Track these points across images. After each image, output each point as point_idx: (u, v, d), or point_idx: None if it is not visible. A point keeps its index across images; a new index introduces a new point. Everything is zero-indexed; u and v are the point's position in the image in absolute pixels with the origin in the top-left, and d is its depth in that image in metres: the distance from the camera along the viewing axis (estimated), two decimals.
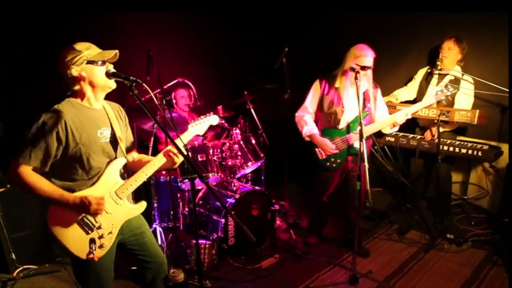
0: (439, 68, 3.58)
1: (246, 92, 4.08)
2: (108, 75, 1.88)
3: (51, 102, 1.87)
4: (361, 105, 3.04)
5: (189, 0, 4.18)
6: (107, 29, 3.71)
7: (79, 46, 1.85)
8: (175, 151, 2.05)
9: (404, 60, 4.33)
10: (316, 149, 3.21)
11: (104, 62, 1.88)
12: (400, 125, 3.11)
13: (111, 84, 1.93)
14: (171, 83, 3.66)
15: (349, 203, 3.32)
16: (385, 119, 3.09)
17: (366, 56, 2.89)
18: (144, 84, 1.83)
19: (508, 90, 3.28)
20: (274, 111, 4.54)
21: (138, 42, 3.79)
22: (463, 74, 3.55)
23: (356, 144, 3.08)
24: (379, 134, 3.76)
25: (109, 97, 2.04)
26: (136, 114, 3.22)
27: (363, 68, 2.89)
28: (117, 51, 1.89)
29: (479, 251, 3.38)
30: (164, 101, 3.29)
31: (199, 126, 2.30)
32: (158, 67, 3.08)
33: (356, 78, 2.78)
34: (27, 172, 1.80)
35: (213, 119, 2.36)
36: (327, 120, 3.14)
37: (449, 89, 3.10)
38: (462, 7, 3.65)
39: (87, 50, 1.85)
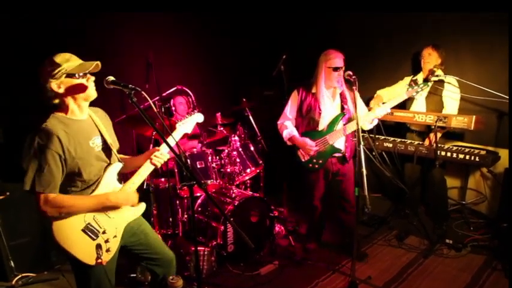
0: (435, 74, 3.63)
1: (244, 99, 4.10)
2: (107, 83, 1.88)
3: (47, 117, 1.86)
4: (335, 109, 3.21)
5: (186, 3, 4.21)
6: (106, 33, 3.72)
7: (58, 58, 1.81)
8: (159, 155, 2.13)
9: (403, 65, 4.36)
10: (298, 152, 3.29)
11: (85, 74, 1.86)
12: (379, 118, 3.18)
13: (92, 95, 1.91)
14: (170, 91, 3.68)
15: (339, 205, 3.39)
16: (364, 116, 3.17)
17: (336, 57, 3.06)
18: (142, 92, 1.85)
19: (507, 97, 3.30)
20: (272, 118, 4.56)
21: (136, 49, 3.83)
22: (446, 76, 3.65)
23: (336, 144, 3.19)
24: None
25: (109, 104, 2.05)
26: (136, 121, 3.24)
27: (336, 69, 3.04)
28: (98, 62, 1.85)
29: (478, 256, 3.38)
30: (163, 109, 3.31)
31: (186, 125, 2.37)
32: (157, 74, 3.10)
33: (354, 85, 2.86)
34: (58, 195, 1.82)
35: (198, 117, 2.44)
36: (306, 123, 3.26)
37: (419, 86, 3.18)
38: (462, 7, 3.69)
39: (66, 62, 1.82)
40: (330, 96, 3.21)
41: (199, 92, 4.09)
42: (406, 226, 3.94)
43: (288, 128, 3.32)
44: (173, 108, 4.11)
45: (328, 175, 3.31)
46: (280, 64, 3.94)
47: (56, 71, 1.79)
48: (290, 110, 3.36)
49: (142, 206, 2.16)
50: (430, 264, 3.30)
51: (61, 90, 1.82)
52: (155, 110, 1.92)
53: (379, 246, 3.66)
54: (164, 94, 3.57)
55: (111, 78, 1.89)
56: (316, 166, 3.25)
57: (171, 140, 2.13)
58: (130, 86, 1.84)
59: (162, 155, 2.14)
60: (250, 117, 4.12)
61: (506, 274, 3.06)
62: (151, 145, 3.37)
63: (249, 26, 4.96)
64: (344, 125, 3.14)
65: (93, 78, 1.90)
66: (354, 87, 2.84)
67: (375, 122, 3.23)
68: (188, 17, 4.44)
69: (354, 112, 3.21)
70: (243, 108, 4.11)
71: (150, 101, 1.88)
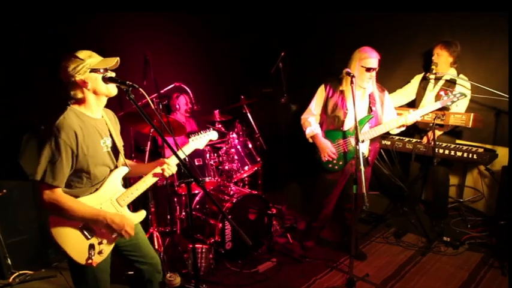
0: (433, 72, 3.61)
1: (242, 96, 4.10)
2: (105, 80, 1.88)
3: (48, 107, 1.87)
4: (362, 110, 3.09)
5: (185, 1, 4.20)
6: (104, 34, 3.71)
7: (81, 54, 1.86)
8: (166, 167, 2.12)
9: (402, 63, 4.36)
10: (318, 150, 3.23)
11: (106, 70, 1.89)
12: (407, 126, 3.11)
13: (113, 91, 1.94)
14: (168, 88, 3.67)
15: (346, 204, 3.34)
16: (392, 121, 3.06)
17: (370, 57, 2.92)
18: (140, 89, 1.84)
19: (507, 96, 3.29)
20: (271, 115, 4.56)
21: (135, 46, 3.81)
22: (458, 74, 3.58)
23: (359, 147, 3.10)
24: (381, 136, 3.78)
25: (107, 101, 2.04)
26: (134, 118, 3.23)
27: (368, 69, 2.93)
28: (118, 58, 1.90)
29: (475, 254, 3.39)
30: (161, 106, 3.30)
31: (199, 141, 2.37)
32: (155, 72, 3.09)
33: (352, 82, 2.77)
34: (63, 195, 1.83)
35: (213, 135, 2.44)
36: (331, 122, 3.17)
37: (456, 95, 3.05)
38: (461, 7, 3.67)
39: (89, 58, 1.87)
40: (359, 96, 3.07)
41: (198, 89, 4.07)
42: (404, 224, 3.95)
43: (312, 125, 3.23)
44: (177, 106, 4.10)
45: (347, 176, 3.24)
46: (278, 61, 3.93)
47: (80, 66, 1.83)
48: (315, 105, 3.25)
49: (142, 214, 2.15)
50: (428, 262, 3.31)
51: (86, 85, 1.86)
52: (152, 107, 1.91)
53: (377, 244, 3.66)
54: (162, 91, 3.56)
55: (109, 74, 1.89)
56: (336, 167, 3.18)
57: (181, 154, 2.15)
58: (127, 82, 1.84)
59: (169, 166, 2.13)
60: (249, 115, 4.12)
61: (503, 271, 3.07)
62: (149, 142, 3.36)
63: (247, 23, 4.95)
64: (370, 127, 3.05)
65: (113, 74, 1.93)
66: (352, 84, 2.79)
67: (403, 128, 3.13)
68: (187, 15, 4.43)
69: (381, 114, 3.12)
70: (241, 105, 4.11)
71: (148, 98, 1.88)
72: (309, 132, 3.24)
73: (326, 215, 3.47)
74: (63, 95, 1.89)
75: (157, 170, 2.12)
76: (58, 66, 1.86)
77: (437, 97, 3.62)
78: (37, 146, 1.82)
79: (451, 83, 3.63)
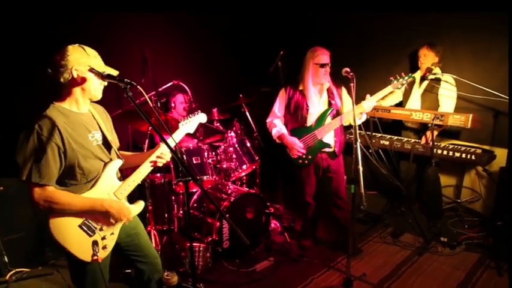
0: (433, 72, 3.65)
1: (241, 95, 4.09)
2: (103, 77, 1.88)
3: (48, 107, 1.86)
4: (322, 104, 3.26)
5: (185, 2, 4.20)
6: (104, 34, 3.71)
7: (89, 50, 1.87)
8: (160, 155, 2.12)
9: (400, 65, 4.36)
10: (287, 149, 3.33)
11: (102, 74, 1.89)
12: (367, 112, 3.22)
13: (99, 95, 1.96)
14: (166, 86, 3.67)
15: (332, 202, 3.42)
16: (351, 110, 3.12)
17: (322, 54, 3.13)
18: (138, 87, 1.83)
19: (507, 97, 3.29)
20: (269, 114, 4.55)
21: (134, 46, 3.81)
22: (443, 74, 3.67)
23: (325, 139, 3.22)
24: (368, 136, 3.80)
25: (104, 99, 2.03)
26: (132, 116, 3.22)
27: (322, 65, 3.09)
28: (117, 72, 1.92)
29: (472, 254, 3.40)
30: (159, 104, 3.29)
31: (189, 125, 2.36)
32: (154, 70, 3.09)
33: (352, 82, 2.82)
34: (55, 191, 1.81)
35: (202, 117, 2.43)
36: (295, 120, 3.31)
37: (404, 78, 3.14)
38: (461, 7, 3.68)
39: (94, 58, 1.88)
40: (317, 92, 3.25)
41: (197, 87, 4.07)
42: (401, 223, 3.96)
43: (277, 126, 3.36)
44: (172, 105, 4.09)
45: (319, 171, 3.34)
46: (277, 60, 3.93)
47: (85, 59, 1.84)
48: (278, 108, 3.41)
49: (141, 205, 2.15)
50: (425, 262, 3.31)
51: (78, 79, 1.85)
52: (151, 104, 1.90)
53: (374, 243, 3.67)
54: (160, 89, 3.55)
55: (107, 72, 1.89)
56: (306, 162, 3.28)
57: (172, 140, 2.13)
58: (125, 80, 1.83)
59: (163, 154, 2.13)
60: (247, 113, 4.11)
61: (500, 272, 3.08)
62: (146, 140, 3.35)
63: (246, 22, 4.94)
64: (332, 119, 3.19)
65: (105, 83, 1.95)
66: (352, 84, 2.81)
67: (364, 117, 3.27)
68: (186, 14, 4.42)
69: (340, 106, 3.27)
70: (240, 104, 4.10)
71: (146, 96, 1.87)
72: (275, 133, 3.37)
73: (313, 211, 3.52)
74: (51, 82, 1.84)
75: (153, 158, 2.12)
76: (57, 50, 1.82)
77: (424, 94, 3.81)
78: (15, 148, 1.78)
79: (437, 80, 3.70)
